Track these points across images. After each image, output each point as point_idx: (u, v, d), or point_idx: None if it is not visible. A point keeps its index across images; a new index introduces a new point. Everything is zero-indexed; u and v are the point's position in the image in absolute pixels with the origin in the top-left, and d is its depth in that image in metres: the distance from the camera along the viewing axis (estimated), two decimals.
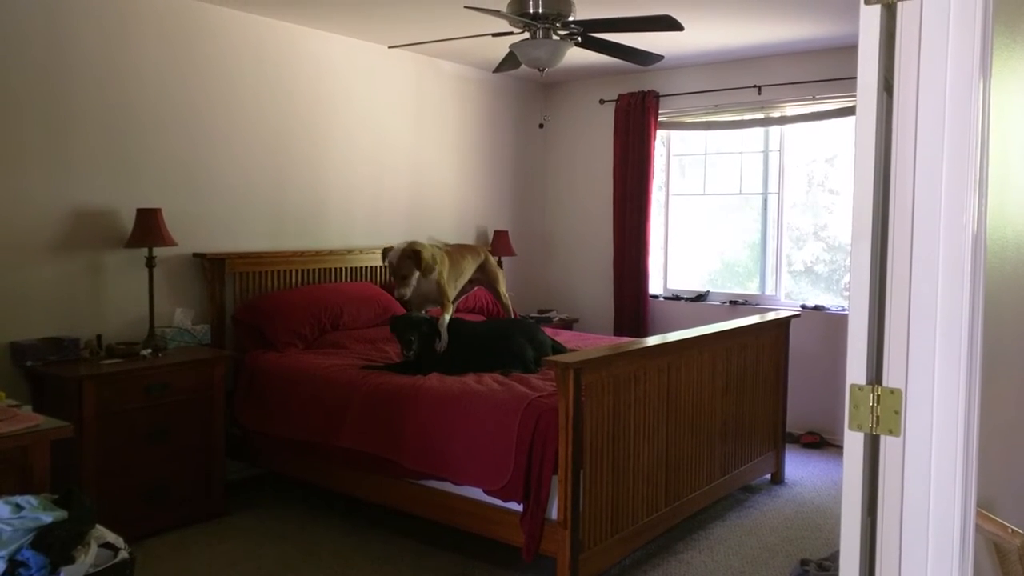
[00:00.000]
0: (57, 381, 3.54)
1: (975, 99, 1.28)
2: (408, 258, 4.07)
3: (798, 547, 3.73)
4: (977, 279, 1.30)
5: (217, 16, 4.40)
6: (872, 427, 1.38)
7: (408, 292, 4.10)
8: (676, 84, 6.01)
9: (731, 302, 5.88)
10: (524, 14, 3.65)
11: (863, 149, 1.38)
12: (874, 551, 1.40)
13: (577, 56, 4.92)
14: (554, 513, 3.08)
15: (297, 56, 4.82)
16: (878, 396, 1.37)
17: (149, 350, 3.88)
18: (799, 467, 4.91)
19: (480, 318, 5.12)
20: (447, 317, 4.12)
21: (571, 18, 3.73)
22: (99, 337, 3.88)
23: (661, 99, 6.03)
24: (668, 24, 3.59)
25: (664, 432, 3.57)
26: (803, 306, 5.54)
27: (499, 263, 6.11)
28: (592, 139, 6.46)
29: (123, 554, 2.24)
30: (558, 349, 4.21)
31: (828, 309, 5.45)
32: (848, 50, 5.19)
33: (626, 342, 3.82)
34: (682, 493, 3.71)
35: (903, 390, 1.35)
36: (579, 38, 3.87)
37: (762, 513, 4.16)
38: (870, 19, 1.36)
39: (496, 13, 3.52)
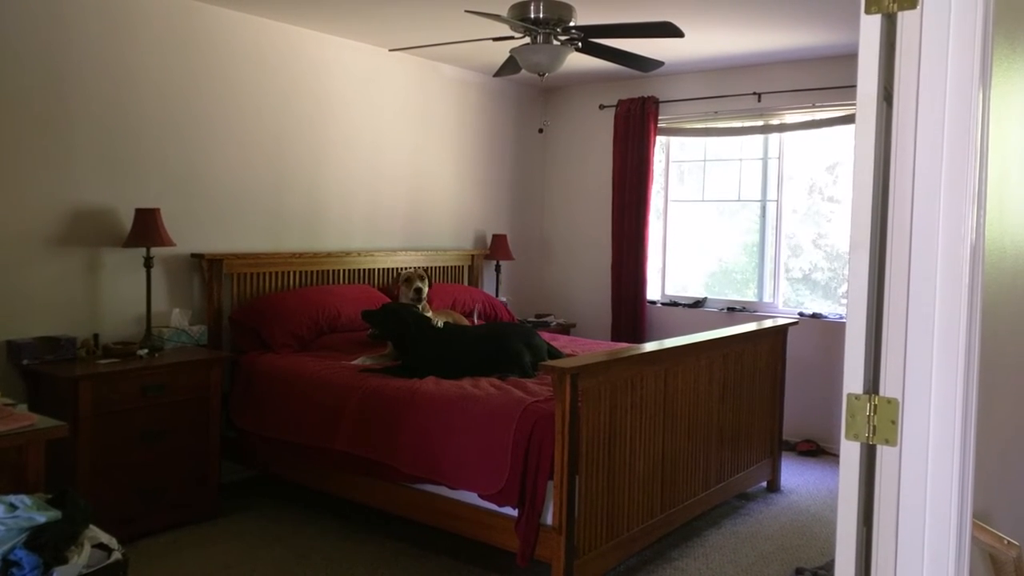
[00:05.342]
0: (53, 380, 3.53)
1: (975, 109, 1.28)
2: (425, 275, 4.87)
3: (793, 555, 3.72)
4: (975, 290, 1.30)
5: (217, 17, 4.40)
6: (869, 436, 1.38)
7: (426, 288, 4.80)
8: (676, 90, 6.02)
9: (729, 309, 5.87)
10: (525, 19, 3.66)
11: (862, 158, 1.38)
12: (870, 561, 1.40)
13: (577, 61, 4.93)
14: (549, 518, 3.07)
15: (297, 58, 4.82)
16: (875, 406, 1.37)
17: (146, 350, 3.87)
18: (795, 475, 4.91)
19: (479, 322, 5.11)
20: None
21: (572, 24, 3.73)
22: (96, 337, 3.87)
23: (661, 105, 6.03)
24: (669, 31, 3.59)
25: (660, 438, 3.56)
26: (801, 314, 5.54)
27: (497, 267, 6.13)
28: (592, 144, 6.46)
29: (116, 555, 2.24)
30: (554, 354, 4.21)
31: (826, 317, 5.45)
32: (848, 58, 5.20)
33: (623, 348, 3.81)
34: (678, 500, 3.71)
35: (900, 400, 1.35)
36: (580, 43, 3.88)
37: (758, 521, 4.16)
38: (870, 28, 1.36)
39: (497, 17, 3.52)
